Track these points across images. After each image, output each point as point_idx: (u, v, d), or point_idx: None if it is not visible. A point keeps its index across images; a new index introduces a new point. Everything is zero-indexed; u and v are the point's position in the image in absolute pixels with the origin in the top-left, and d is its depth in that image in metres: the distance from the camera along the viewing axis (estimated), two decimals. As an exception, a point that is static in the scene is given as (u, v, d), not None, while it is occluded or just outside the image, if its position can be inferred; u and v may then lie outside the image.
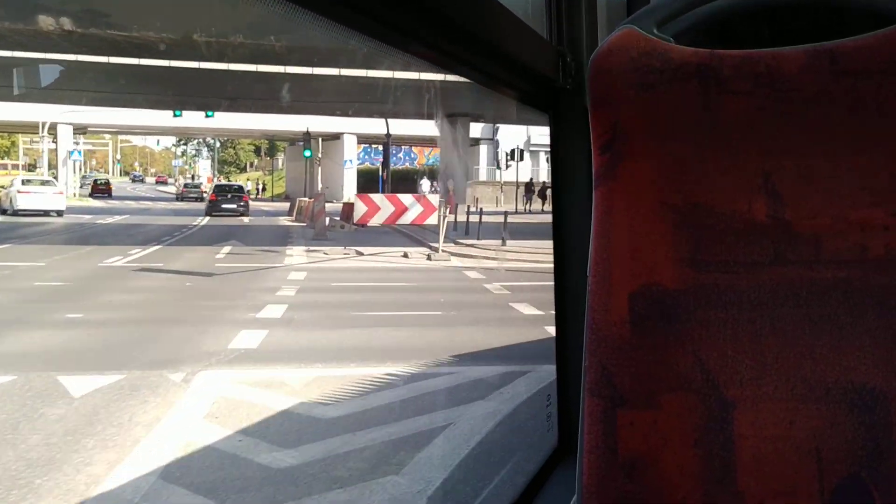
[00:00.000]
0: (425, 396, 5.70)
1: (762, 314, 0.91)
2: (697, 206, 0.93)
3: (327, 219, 21.50)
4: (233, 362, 6.59)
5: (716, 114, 0.93)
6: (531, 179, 42.19)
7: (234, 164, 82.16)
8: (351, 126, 49.06)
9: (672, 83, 0.93)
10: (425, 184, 39.09)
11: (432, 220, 16.13)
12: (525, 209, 38.73)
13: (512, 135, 46.02)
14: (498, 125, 47.63)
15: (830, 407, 0.88)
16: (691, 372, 0.91)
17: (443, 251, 16.06)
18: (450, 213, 24.86)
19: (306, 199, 29.95)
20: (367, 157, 60.61)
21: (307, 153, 35.61)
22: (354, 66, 28.39)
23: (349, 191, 45.60)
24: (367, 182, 49.28)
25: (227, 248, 17.16)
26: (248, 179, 66.15)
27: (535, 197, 40.00)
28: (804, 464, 0.88)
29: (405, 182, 46.22)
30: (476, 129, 49.01)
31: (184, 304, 9.73)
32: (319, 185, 50.43)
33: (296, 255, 16.33)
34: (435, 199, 16.50)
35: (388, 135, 36.33)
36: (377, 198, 16.72)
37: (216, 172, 73.20)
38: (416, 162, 62.15)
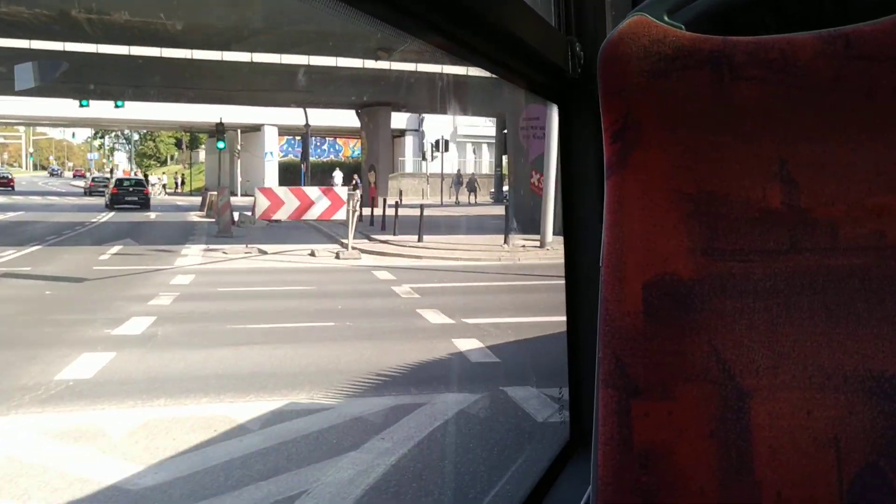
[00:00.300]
0: (281, 448, 4.42)
1: (778, 303, 0.89)
2: (711, 195, 0.92)
3: (236, 214, 20.00)
4: (48, 402, 5.20)
5: (729, 101, 0.91)
6: (458, 171, 41.21)
7: (154, 158, 79.03)
8: (272, 117, 47.34)
9: (684, 70, 0.92)
10: (338, 175, 37.71)
11: (340, 214, 14.77)
12: (454, 201, 37.78)
13: (438, 125, 44.97)
14: (423, 115, 46.51)
15: (848, 396, 0.86)
16: (707, 362, 0.90)
17: (353, 248, 14.76)
18: (373, 205, 23.64)
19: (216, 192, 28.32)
20: (290, 149, 58.74)
21: (220, 145, 33.80)
22: (265, 50, 26.78)
23: (270, 184, 44.12)
24: (290, 175, 47.62)
25: (115, 248, 15.56)
26: (163, 173, 63.64)
27: (462, 188, 39.07)
28: (822, 453, 0.86)
29: (330, 174, 45.02)
30: (402, 120, 47.85)
31: (29, 318, 8.22)
32: (239, 179, 48.65)
33: (191, 254, 14.84)
34: (343, 192, 15.13)
35: (307, 125, 34.73)
36: (281, 191, 15.26)
37: (135, 166, 70.27)
38: (341, 154, 60.58)
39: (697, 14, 0.97)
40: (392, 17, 0.91)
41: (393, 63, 28.84)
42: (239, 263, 13.79)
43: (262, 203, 14.94)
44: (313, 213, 14.78)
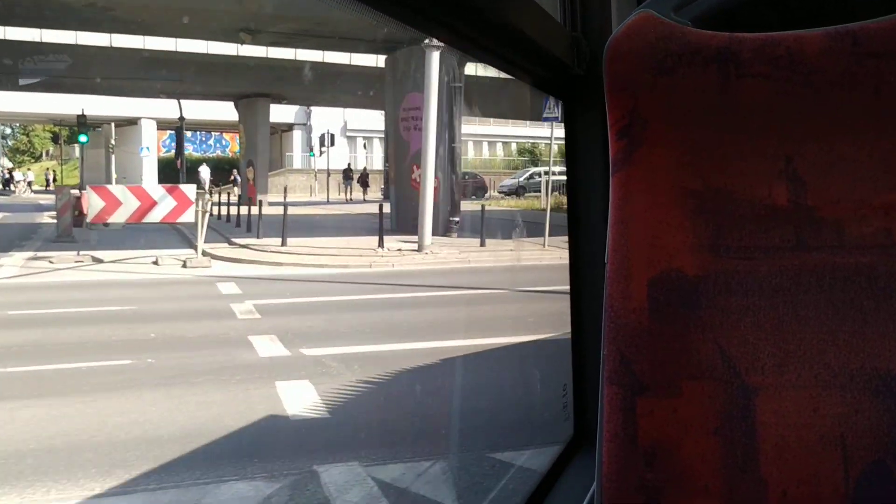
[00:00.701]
0: None
1: (784, 300, 0.89)
2: (717, 192, 0.92)
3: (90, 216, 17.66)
4: None
5: (735, 98, 0.91)
6: (349, 165, 39.43)
7: (27, 153, 73.99)
8: (150, 110, 44.41)
9: (691, 67, 0.92)
10: (204, 171, 35.36)
11: (188, 216, 12.79)
12: (344, 198, 36.04)
13: (328, 119, 43.08)
14: (311, 108, 44.48)
15: (854, 394, 0.86)
16: (712, 359, 0.90)
17: (203, 255, 12.83)
18: (251, 204, 21.60)
19: (76, 191, 25.66)
20: (173, 143, 55.59)
21: (83, 139, 30.92)
22: (126, 31, 24.32)
23: (149, 181, 41.56)
24: (172, 171, 44.84)
25: (-83, 259, 13.13)
26: (28, 169, 59.51)
27: (353, 184, 37.33)
28: (828, 452, 0.86)
29: (215, 172, 42.80)
30: (290, 113, 45.74)
31: None
32: (114, 175, 45.45)
33: (8, 264, 12.59)
34: (192, 190, 13.13)
35: (181, 118, 32.18)
36: (117, 190, 13.13)
37: (6, 161, 65.41)
38: (227, 149, 57.78)
39: (704, 10, 0.96)
40: (398, 13, 0.89)
41: (270, 50, 26.83)
42: (61, 276, 11.66)
43: (96, 204, 12.81)
44: (156, 215, 12.76)
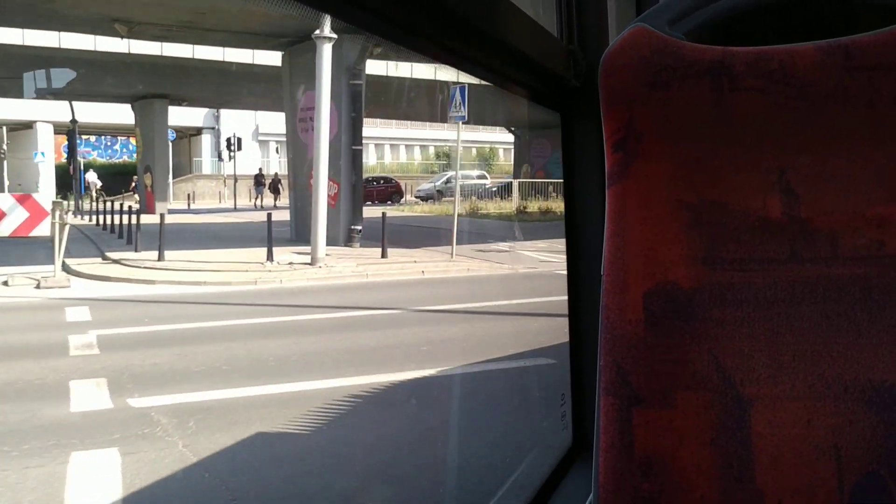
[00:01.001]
0: None
1: (778, 312, 0.88)
2: (712, 204, 0.92)
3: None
4: None
5: (729, 111, 0.91)
6: (260, 170, 37.72)
7: (-80, 160, 69.65)
8: (46, 113, 41.79)
9: (685, 81, 0.92)
10: (91, 175, 33.38)
11: (43, 229, 11.14)
12: (256, 205, 34.33)
13: (240, 123, 41.31)
14: (220, 111, 42.62)
15: (848, 405, 0.85)
16: (707, 370, 0.89)
17: (62, 273, 11.20)
18: (151, 212, 19.86)
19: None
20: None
21: (-39, 143, 28.45)
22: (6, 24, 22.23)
23: (46, 188, 39.14)
24: (71, 178, 42.46)
25: None
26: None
27: (265, 190, 35.68)
28: (822, 462, 0.85)
29: (121, 177, 40.62)
30: (198, 117, 43.77)
31: None
32: (7, 182, 42.71)
33: None
34: (46, 200, 11.47)
35: (73, 121, 29.98)
36: (-42, 200, 11.42)
37: None
38: (135, 155, 55.20)
39: (699, 24, 0.95)
40: (392, 33, 0.88)
41: (165, 47, 25.04)
42: None
43: (-67, 216, 11.06)
44: (4, 229, 11.09)
